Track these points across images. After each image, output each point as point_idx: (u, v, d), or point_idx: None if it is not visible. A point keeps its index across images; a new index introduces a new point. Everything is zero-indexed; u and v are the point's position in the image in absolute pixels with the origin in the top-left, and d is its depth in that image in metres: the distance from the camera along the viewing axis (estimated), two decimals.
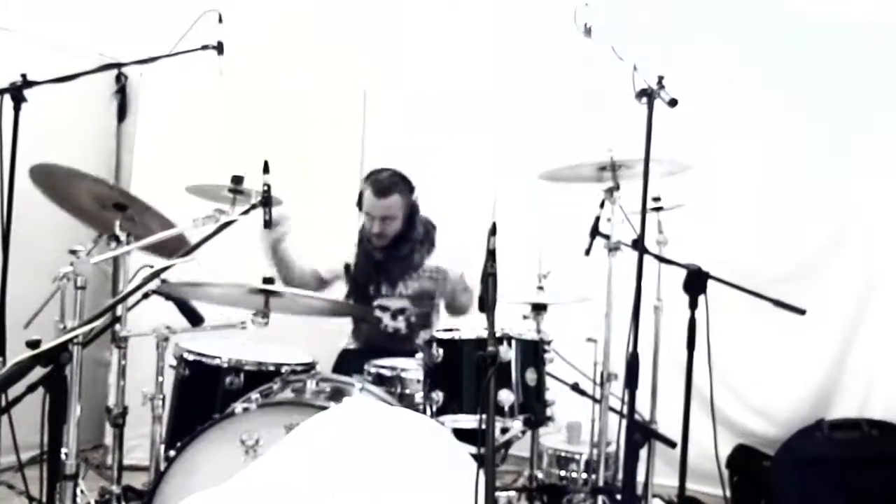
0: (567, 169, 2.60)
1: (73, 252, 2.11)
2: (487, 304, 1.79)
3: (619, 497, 2.54)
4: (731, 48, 3.65)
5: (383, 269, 3.11)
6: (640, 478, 2.58)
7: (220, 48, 2.52)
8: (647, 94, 2.06)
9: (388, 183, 3.01)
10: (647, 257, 2.16)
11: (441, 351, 2.23)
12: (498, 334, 2.11)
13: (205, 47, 2.52)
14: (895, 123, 3.43)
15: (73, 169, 2.53)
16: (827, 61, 3.50)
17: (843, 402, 3.48)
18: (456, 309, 3.18)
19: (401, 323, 3.12)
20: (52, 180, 2.55)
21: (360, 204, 3.11)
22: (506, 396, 2.17)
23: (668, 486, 3.05)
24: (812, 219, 3.56)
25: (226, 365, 2.46)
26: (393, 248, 3.10)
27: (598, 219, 2.57)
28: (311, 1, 4.15)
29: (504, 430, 2.29)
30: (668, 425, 2.68)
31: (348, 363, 2.94)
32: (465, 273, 3.11)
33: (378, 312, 3.12)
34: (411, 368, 2.50)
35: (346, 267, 3.16)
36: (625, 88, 2.12)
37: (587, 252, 2.60)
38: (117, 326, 2.63)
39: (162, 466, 2.23)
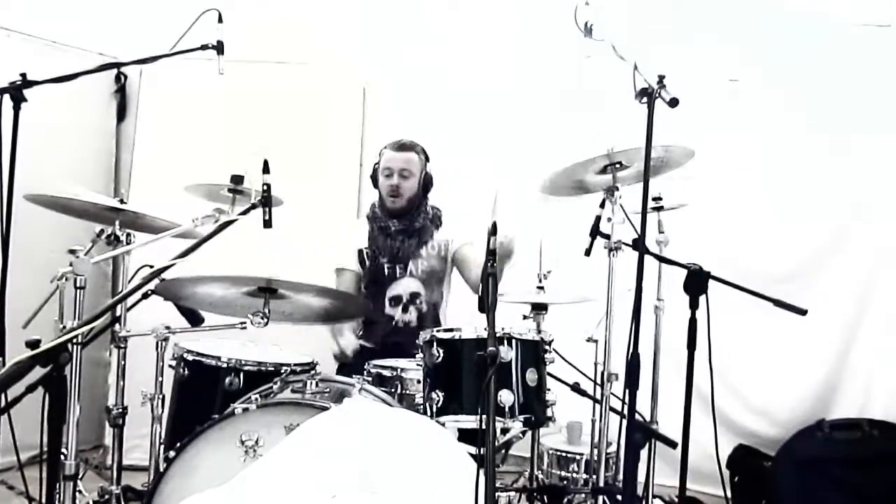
0: (564, 174, 2.58)
1: (72, 252, 2.11)
2: (487, 304, 1.78)
3: (619, 497, 2.53)
4: (731, 48, 3.65)
5: (397, 240, 3.16)
6: (641, 478, 2.58)
7: (220, 48, 2.51)
8: (648, 94, 2.06)
9: (408, 141, 3.19)
10: (647, 257, 2.15)
11: (441, 351, 2.23)
12: (498, 334, 2.10)
13: (205, 47, 2.51)
14: (895, 123, 3.43)
15: (69, 198, 2.56)
16: (827, 61, 3.50)
17: (844, 402, 3.49)
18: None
19: (412, 314, 3.14)
20: (49, 201, 2.58)
21: (374, 179, 3.21)
22: (506, 397, 2.16)
23: (668, 486, 3.06)
24: (812, 219, 3.57)
25: (225, 365, 2.46)
26: (407, 216, 3.16)
27: (598, 218, 2.57)
28: (311, 0, 4.15)
29: (504, 431, 2.28)
30: (669, 425, 2.67)
31: (355, 361, 2.94)
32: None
33: (389, 309, 3.14)
34: (411, 368, 2.50)
35: (360, 252, 3.19)
36: (625, 88, 2.12)
37: (587, 252, 2.59)
38: (117, 326, 2.64)
39: (161, 467, 2.23)
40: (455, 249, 3.21)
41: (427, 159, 3.21)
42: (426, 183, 3.20)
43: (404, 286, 3.16)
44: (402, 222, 3.16)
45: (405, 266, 3.16)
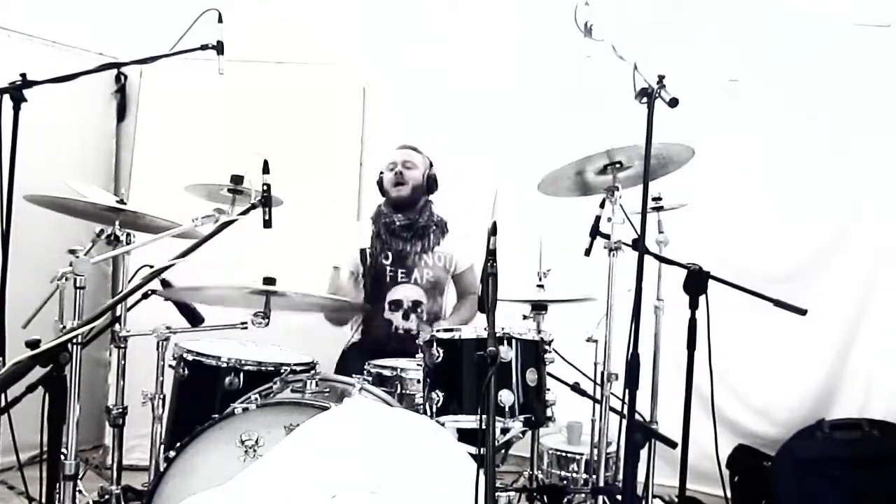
0: (562, 172, 2.57)
1: (72, 252, 2.11)
2: (487, 304, 1.78)
3: (619, 497, 2.53)
4: (731, 48, 3.65)
5: (401, 238, 3.17)
6: (641, 478, 2.58)
7: (219, 48, 2.52)
8: (648, 94, 2.06)
9: (409, 145, 3.31)
10: (647, 257, 2.15)
11: (441, 351, 2.23)
12: (498, 334, 2.10)
13: (205, 47, 2.51)
14: (895, 123, 3.43)
15: (68, 199, 2.56)
16: (827, 61, 3.50)
17: (844, 402, 3.49)
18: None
19: (412, 323, 3.14)
20: (49, 201, 2.58)
21: (381, 185, 3.28)
22: (506, 397, 2.16)
23: (668, 486, 3.05)
24: (812, 219, 3.57)
25: (225, 365, 2.46)
26: (411, 210, 3.19)
27: (598, 218, 2.57)
28: (311, 0, 4.15)
29: (504, 431, 2.28)
30: (669, 425, 2.67)
31: (352, 360, 2.93)
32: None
33: (388, 313, 3.13)
34: (411, 368, 2.50)
35: (362, 252, 3.19)
36: (625, 88, 2.12)
37: (587, 252, 2.59)
38: (117, 326, 2.63)
39: (161, 467, 2.23)
40: (458, 271, 3.28)
41: (431, 164, 3.28)
42: (430, 181, 3.25)
43: (406, 293, 3.15)
44: (407, 216, 3.18)
45: (408, 272, 3.16)
